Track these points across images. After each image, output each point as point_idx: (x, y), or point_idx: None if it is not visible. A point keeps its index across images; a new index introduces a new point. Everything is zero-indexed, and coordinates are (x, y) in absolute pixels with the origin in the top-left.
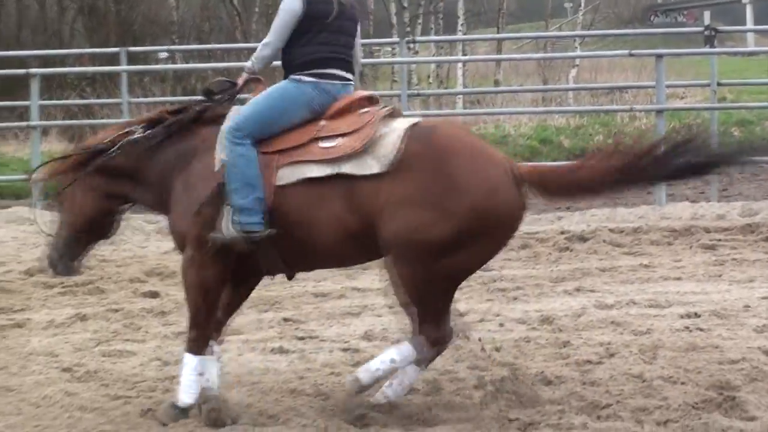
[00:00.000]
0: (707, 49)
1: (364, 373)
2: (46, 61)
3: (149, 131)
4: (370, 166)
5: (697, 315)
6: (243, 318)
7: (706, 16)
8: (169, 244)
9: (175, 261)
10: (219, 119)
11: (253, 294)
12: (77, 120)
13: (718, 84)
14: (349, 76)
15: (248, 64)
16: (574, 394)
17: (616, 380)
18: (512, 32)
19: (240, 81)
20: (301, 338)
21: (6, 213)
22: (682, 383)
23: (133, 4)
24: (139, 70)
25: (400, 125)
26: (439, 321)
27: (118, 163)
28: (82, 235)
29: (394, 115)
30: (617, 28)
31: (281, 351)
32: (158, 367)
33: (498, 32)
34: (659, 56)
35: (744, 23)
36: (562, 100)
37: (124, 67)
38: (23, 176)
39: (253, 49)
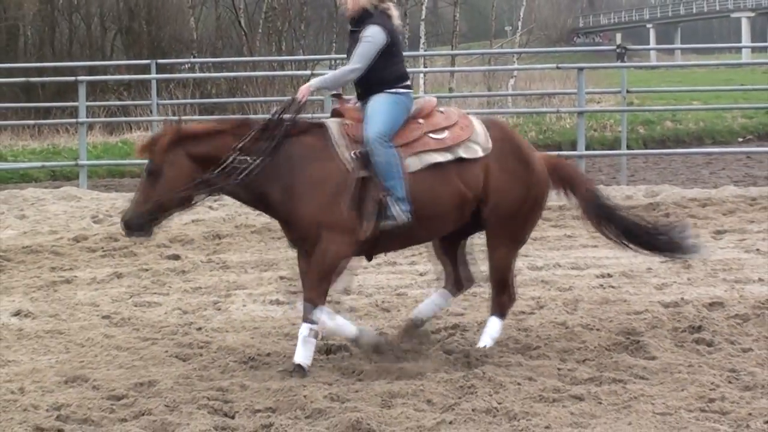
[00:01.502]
0: (619, 64)
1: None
2: (91, 70)
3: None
4: (475, 150)
5: (609, 275)
6: (247, 276)
7: (618, 37)
8: (188, 216)
9: (193, 230)
10: (309, 129)
11: (255, 257)
12: (116, 118)
13: (628, 91)
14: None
15: (319, 83)
16: (511, 338)
17: (544, 327)
18: (463, 49)
19: (304, 96)
20: (294, 292)
21: (59, 191)
22: (597, 330)
23: (161, 25)
24: (166, 78)
25: (474, 120)
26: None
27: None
28: (169, 206)
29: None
30: (547, 46)
31: (278, 303)
32: (179, 315)
33: (452, 49)
34: (580, 69)
35: (648, 43)
36: (503, 104)
37: (154, 75)
38: (70, 163)
39: (258, 62)
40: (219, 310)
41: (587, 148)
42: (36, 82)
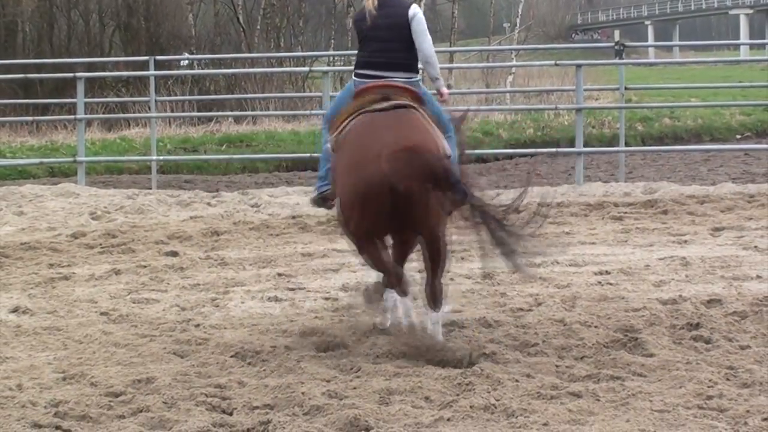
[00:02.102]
0: (617, 60)
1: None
2: (89, 67)
3: None
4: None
5: (607, 272)
6: (245, 272)
7: (616, 33)
8: (186, 213)
9: (191, 227)
10: None
11: (253, 254)
12: (114, 114)
13: (626, 88)
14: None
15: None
16: (509, 335)
17: (542, 324)
18: (462, 46)
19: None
20: (292, 289)
21: (57, 188)
22: (595, 327)
23: (159, 21)
24: (164, 74)
25: None
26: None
27: None
28: None
29: None
30: (545, 43)
31: (276, 299)
32: (177, 312)
33: (450, 46)
34: (579, 66)
35: (646, 40)
36: (501, 101)
37: (152, 72)
38: (68, 160)
39: (257, 59)
40: (217, 306)
41: (585, 145)
42: (34, 79)
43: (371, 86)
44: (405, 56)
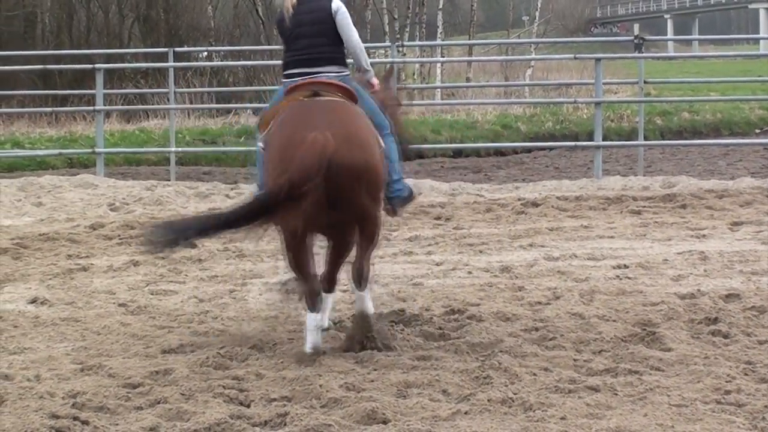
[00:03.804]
0: (636, 54)
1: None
2: (109, 58)
3: None
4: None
5: (625, 266)
6: (263, 264)
7: (636, 27)
8: (205, 204)
9: None
10: None
11: (271, 245)
12: (133, 106)
13: (645, 82)
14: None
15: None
16: (527, 329)
17: (560, 317)
18: (481, 39)
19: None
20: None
21: (76, 179)
22: (613, 321)
23: (179, 13)
24: (183, 66)
25: None
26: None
27: None
28: None
29: None
30: (564, 36)
31: (294, 291)
32: (195, 303)
33: (469, 39)
34: (598, 59)
35: (666, 33)
36: (519, 94)
37: (171, 63)
38: (87, 151)
39: (275, 51)
40: (235, 298)
41: (604, 139)
42: (53, 70)
43: (301, 84)
44: (332, 50)
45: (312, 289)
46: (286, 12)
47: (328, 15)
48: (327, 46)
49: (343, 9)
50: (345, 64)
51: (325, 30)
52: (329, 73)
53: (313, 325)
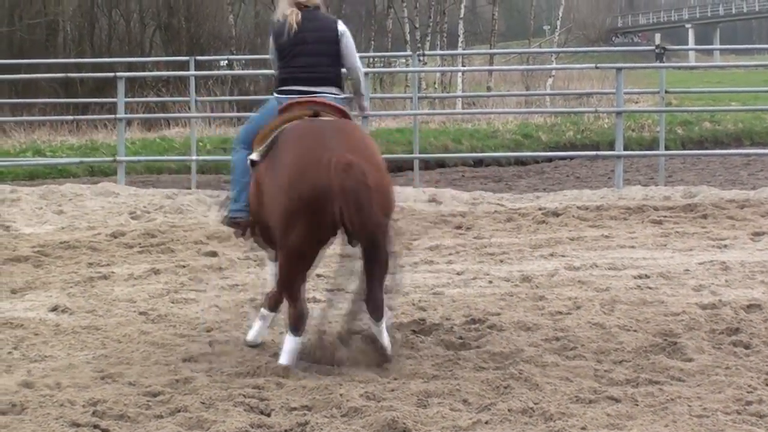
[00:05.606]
0: (657, 64)
1: None
2: (130, 67)
3: None
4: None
5: (647, 276)
6: None
7: (657, 37)
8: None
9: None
10: None
11: None
12: (154, 114)
13: (666, 92)
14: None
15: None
16: (548, 338)
17: (581, 327)
18: (502, 48)
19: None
20: (330, 290)
21: (96, 187)
22: (634, 330)
23: (200, 22)
24: (204, 75)
25: None
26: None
27: None
28: None
29: None
30: (586, 46)
31: (314, 300)
32: (216, 312)
33: (490, 48)
34: (619, 69)
35: (687, 43)
36: (540, 103)
37: (192, 72)
38: (108, 159)
39: None
40: (255, 307)
41: (625, 149)
42: (75, 78)
43: (300, 101)
44: (333, 71)
45: (301, 313)
46: (289, 27)
47: (334, 36)
48: (328, 66)
49: (348, 33)
50: (342, 87)
51: (328, 50)
52: (328, 94)
53: (291, 347)
